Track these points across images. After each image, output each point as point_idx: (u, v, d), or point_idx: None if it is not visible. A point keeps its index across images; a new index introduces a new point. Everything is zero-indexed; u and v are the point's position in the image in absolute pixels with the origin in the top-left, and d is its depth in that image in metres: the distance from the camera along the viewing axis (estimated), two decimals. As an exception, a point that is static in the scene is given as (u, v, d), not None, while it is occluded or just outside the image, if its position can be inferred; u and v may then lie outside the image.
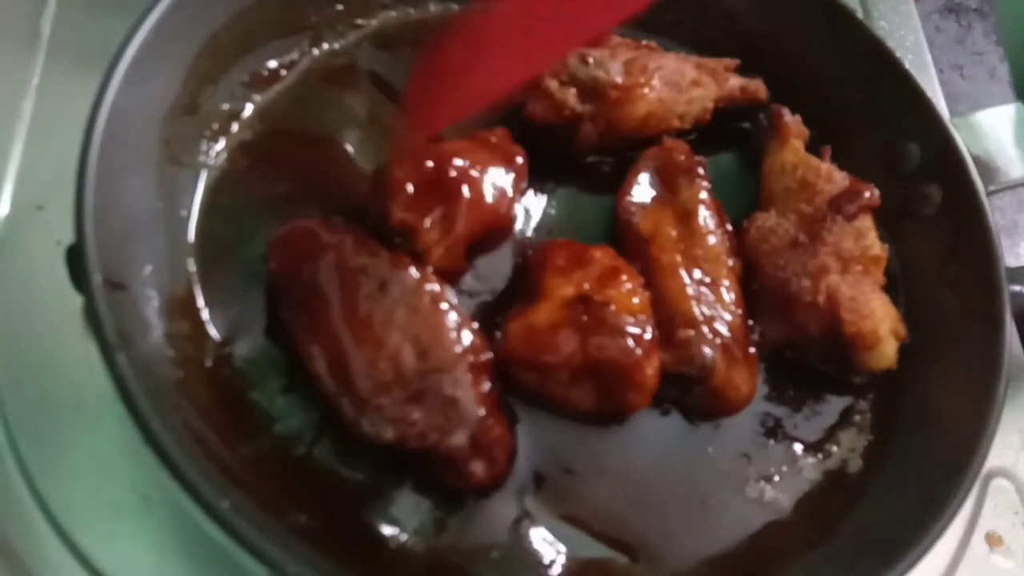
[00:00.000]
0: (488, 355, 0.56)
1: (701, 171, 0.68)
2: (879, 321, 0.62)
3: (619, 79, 0.68)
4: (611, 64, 0.68)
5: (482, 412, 0.54)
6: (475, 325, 0.56)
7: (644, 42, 0.72)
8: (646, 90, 0.68)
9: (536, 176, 0.68)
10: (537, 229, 0.67)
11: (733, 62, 0.74)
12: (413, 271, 0.56)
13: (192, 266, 0.59)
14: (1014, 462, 0.71)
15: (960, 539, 0.66)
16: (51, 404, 0.58)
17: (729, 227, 0.67)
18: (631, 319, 0.58)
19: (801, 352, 0.64)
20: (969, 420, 0.58)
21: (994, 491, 0.69)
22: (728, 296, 0.62)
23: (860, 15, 0.88)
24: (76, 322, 0.56)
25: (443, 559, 0.54)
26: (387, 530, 0.54)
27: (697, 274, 0.62)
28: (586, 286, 0.59)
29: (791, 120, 0.71)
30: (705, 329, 0.59)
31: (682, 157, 0.68)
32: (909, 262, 0.70)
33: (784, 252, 0.64)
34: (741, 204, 0.72)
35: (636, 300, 0.59)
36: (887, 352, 0.63)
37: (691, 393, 0.60)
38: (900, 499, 0.57)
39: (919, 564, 0.53)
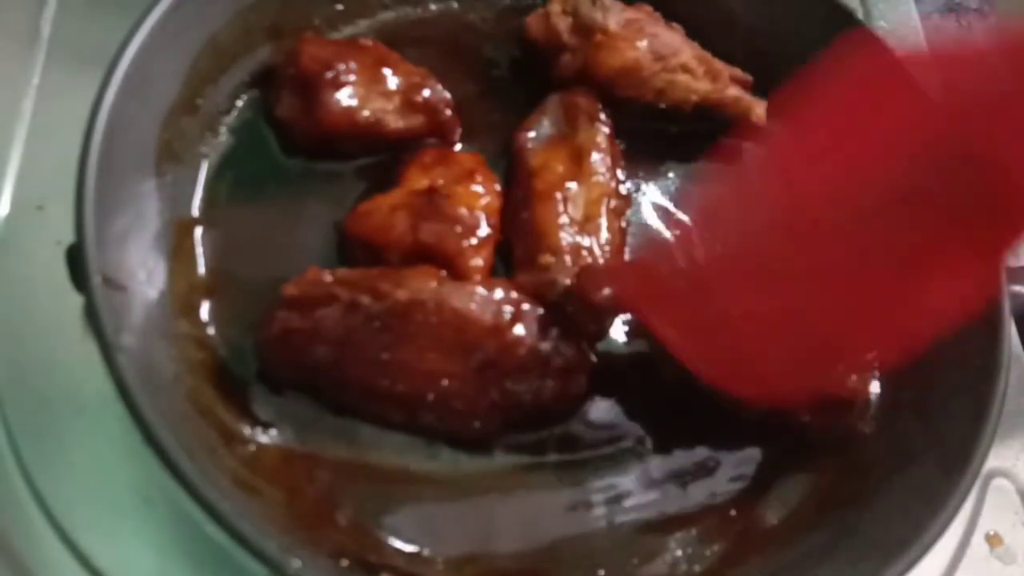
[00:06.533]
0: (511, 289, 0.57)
1: (602, 116, 0.68)
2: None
3: (611, 26, 0.69)
4: (613, 14, 0.70)
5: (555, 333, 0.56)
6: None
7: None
8: (625, 44, 0.69)
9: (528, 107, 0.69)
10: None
11: (746, 78, 0.73)
12: (401, 293, 0.55)
13: (191, 266, 0.59)
14: (1014, 462, 0.71)
15: (960, 539, 0.66)
16: (51, 404, 0.58)
17: (621, 174, 0.67)
18: (466, 212, 0.60)
19: None
20: (969, 420, 0.58)
21: (994, 491, 0.69)
22: (603, 235, 0.63)
23: (860, 15, 0.88)
24: (76, 322, 0.56)
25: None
26: (386, 531, 0.54)
27: (573, 210, 0.63)
28: (440, 182, 0.61)
29: None
30: (568, 259, 0.60)
31: (584, 100, 0.68)
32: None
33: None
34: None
35: (483, 201, 0.62)
36: None
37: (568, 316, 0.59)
38: (899, 499, 0.57)
39: (919, 564, 0.53)
